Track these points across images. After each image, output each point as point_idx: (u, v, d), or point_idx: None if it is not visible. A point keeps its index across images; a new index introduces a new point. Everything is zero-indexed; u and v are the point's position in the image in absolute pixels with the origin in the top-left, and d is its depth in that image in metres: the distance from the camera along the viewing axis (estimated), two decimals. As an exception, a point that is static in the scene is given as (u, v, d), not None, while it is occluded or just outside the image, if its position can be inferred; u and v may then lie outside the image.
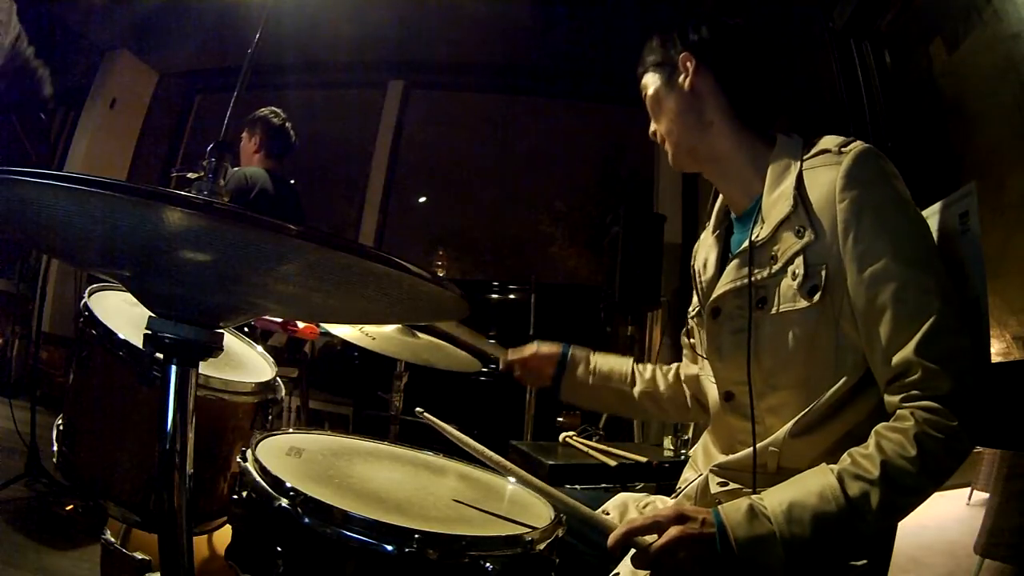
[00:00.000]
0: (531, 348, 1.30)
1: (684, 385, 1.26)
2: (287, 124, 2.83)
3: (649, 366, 1.30)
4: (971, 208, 0.92)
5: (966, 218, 0.93)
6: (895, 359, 0.78)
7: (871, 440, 0.78)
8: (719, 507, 0.78)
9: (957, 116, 1.87)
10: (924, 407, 0.75)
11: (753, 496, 0.79)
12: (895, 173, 0.86)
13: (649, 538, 0.76)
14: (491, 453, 0.90)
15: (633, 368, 1.28)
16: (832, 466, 0.78)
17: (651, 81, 1.04)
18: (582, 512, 0.83)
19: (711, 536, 0.75)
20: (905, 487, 0.74)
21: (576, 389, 1.28)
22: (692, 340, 1.19)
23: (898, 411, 0.78)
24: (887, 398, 0.81)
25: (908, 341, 0.77)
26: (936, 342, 0.76)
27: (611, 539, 0.77)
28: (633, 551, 0.77)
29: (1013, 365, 1.39)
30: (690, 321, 1.16)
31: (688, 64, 0.99)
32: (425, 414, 0.99)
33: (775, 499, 0.77)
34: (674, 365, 1.30)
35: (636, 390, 1.26)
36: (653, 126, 1.07)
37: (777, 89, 1.02)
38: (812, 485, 0.77)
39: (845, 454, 0.79)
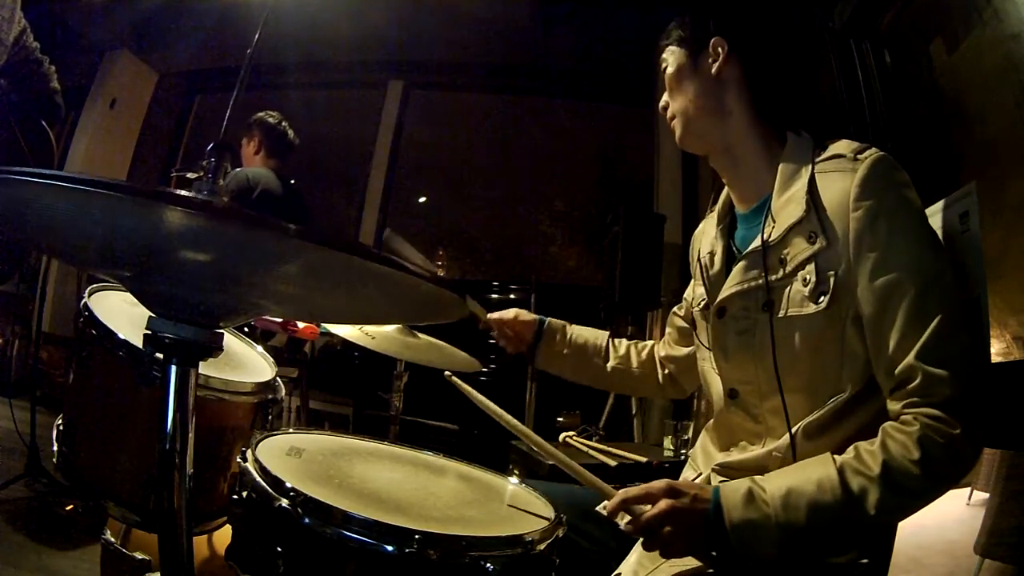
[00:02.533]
0: (512, 312, 1.35)
1: (658, 365, 1.30)
2: (284, 123, 2.84)
3: (624, 342, 1.34)
4: (971, 208, 0.92)
5: (966, 218, 0.93)
6: (898, 369, 0.78)
7: (878, 437, 0.78)
8: (721, 486, 0.80)
9: (957, 116, 1.87)
10: (927, 413, 0.75)
11: (756, 478, 0.81)
12: (908, 182, 0.85)
13: (643, 508, 0.79)
14: (511, 419, 0.98)
15: (608, 343, 1.32)
16: (837, 456, 0.79)
17: (674, 57, 1.02)
18: (586, 477, 0.88)
19: (702, 512, 0.78)
20: (905, 488, 0.74)
21: (551, 358, 1.33)
22: (681, 324, 1.22)
23: (902, 416, 0.78)
24: (890, 406, 0.81)
25: (911, 349, 0.77)
26: (938, 350, 0.77)
27: (608, 506, 0.81)
28: (628, 519, 0.81)
29: (1013, 365, 1.39)
30: (692, 311, 1.12)
31: (720, 49, 0.97)
32: (454, 378, 1.03)
33: (774, 484, 0.79)
34: (649, 343, 1.34)
35: (609, 365, 1.31)
36: (665, 100, 1.04)
37: (799, 88, 1.02)
38: (812, 474, 0.78)
39: (851, 447, 0.79)
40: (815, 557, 0.81)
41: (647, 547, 0.80)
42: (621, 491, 0.81)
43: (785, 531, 0.75)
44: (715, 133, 0.99)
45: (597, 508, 0.85)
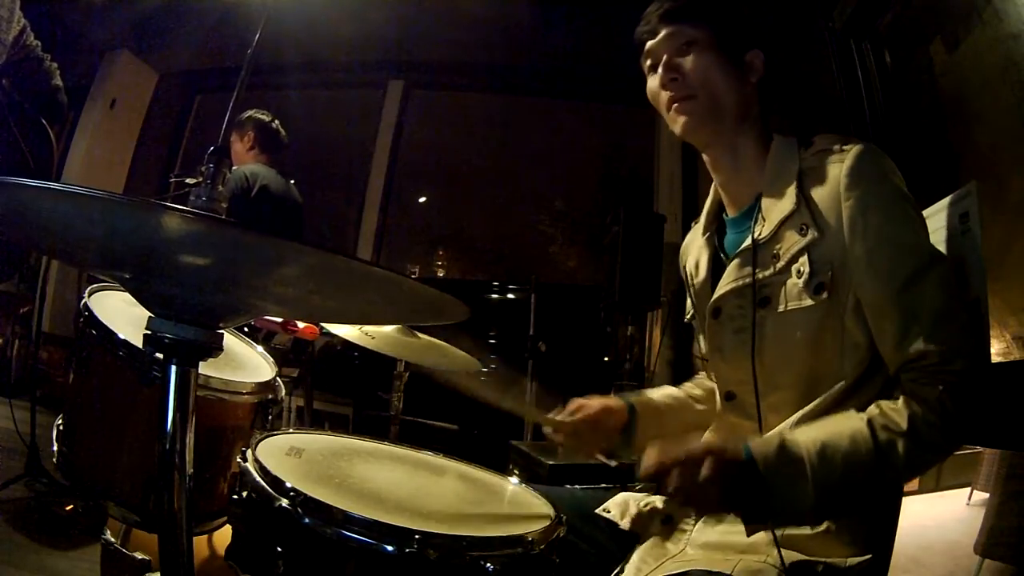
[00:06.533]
0: (593, 405, 1.11)
1: None
2: (275, 122, 2.87)
3: (690, 384, 1.21)
4: (971, 208, 0.92)
5: (966, 218, 0.93)
6: (910, 349, 0.79)
7: (900, 397, 0.80)
8: (750, 441, 0.79)
9: (957, 116, 1.87)
10: (946, 379, 0.78)
11: (784, 432, 0.81)
12: (895, 170, 0.87)
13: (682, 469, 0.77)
14: None
15: (682, 390, 1.20)
16: (860, 413, 0.80)
17: (702, 36, 0.94)
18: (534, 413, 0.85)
19: (740, 461, 0.76)
20: (930, 444, 0.77)
21: (649, 422, 1.12)
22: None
23: (921, 380, 0.79)
24: (904, 381, 0.82)
25: (921, 331, 0.79)
26: (947, 325, 0.79)
27: (644, 469, 0.78)
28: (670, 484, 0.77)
29: (1013, 365, 1.39)
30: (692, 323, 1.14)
31: (758, 62, 0.96)
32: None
33: (806, 436, 0.79)
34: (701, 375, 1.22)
35: (700, 408, 1.16)
36: (663, 79, 0.95)
37: (798, 95, 1.02)
38: (843, 428, 0.79)
39: (873, 404, 0.80)
40: (842, 512, 0.82)
41: (685, 503, 0.78)
42: (653, 452, 0.77)
43: (821, 485, 0.76)
44: (728, 131, 0.97)
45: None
